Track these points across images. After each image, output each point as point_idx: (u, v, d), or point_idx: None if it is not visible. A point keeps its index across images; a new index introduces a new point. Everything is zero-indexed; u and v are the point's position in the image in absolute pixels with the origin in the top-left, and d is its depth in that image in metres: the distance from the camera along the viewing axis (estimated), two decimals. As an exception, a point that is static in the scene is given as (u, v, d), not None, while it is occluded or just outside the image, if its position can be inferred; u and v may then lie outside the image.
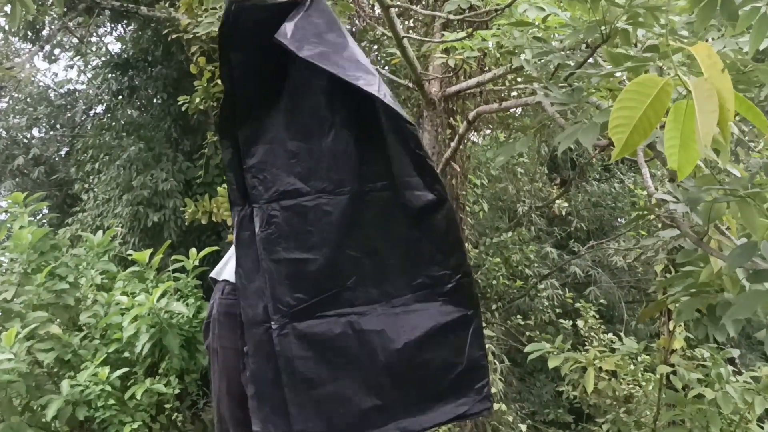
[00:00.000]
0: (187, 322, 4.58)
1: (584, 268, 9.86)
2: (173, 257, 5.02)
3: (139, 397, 4.21)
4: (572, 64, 2.64)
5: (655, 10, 2.06)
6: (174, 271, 4.98)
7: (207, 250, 5.00)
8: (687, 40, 2.68)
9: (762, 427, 4.13)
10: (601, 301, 8.62)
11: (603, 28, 2.36)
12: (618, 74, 2.49)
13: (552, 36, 3.04)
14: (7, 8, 3.22)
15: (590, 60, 2.60)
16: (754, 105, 1.46)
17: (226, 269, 2.46)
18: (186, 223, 6.45)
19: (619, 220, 10.57)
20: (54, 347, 4.20)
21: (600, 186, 10.87)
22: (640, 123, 1.44)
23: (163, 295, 4.43)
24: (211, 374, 2.51)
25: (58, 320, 4.46)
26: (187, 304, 4.62)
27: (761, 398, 3.86)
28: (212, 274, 2.54)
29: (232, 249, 2.41)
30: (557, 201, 8.89)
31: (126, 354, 4.50)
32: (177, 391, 4.47)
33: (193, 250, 4.95)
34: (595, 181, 11.01)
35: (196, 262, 4.92)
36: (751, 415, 4.04)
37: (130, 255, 5.19)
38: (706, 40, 2.82)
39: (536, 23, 2.80)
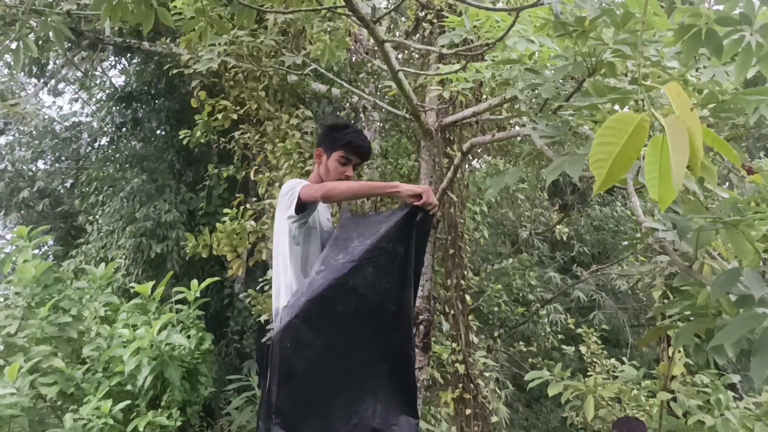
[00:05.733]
0: (188, 354, 4.60)
1: (588, 293, 9.85)
2: (175, 288, 5.04)
3: (141, 430, 4.21)
4: (563, 94, 2.70)
5: (635, 47, 2.12)
6: (177, 302, 5.00)
7: (208, 281, 5.03)
8: (675, 71, 2.75)
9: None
10: (604, 326, 8.60)
11: (591, 59, 2.43)
12: (607, 105, 2.55)
13: (545, 66, 3.10)
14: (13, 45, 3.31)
15: (583, 89, 2.65)
16: (723, 140, 1.51)
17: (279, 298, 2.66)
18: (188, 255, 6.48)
19: (622, 243, 10.57)
20: (57, 381, 4.23)
21: (602, 210, 10.90)
22: (619, 157, 1.48)
23: (163, 328, 4.46)
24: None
25: (61, 353, 4.49)
26: (189, 336, 4.64)
27: (761, 424, 3.83)
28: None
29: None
30: (558, 225, 8.91)
31: (128, 387, 4.52)
32: (179, 423, 4.46)
33: (195, 282, 4.98)
34: (597, 204, 11.03)
35: (197, 294, 4.95)
36: (753, 441, 4.01)
37: (133, 287, 5.22)
38: (696, 69, 2.89)
39: (526, 56, 2.86)
